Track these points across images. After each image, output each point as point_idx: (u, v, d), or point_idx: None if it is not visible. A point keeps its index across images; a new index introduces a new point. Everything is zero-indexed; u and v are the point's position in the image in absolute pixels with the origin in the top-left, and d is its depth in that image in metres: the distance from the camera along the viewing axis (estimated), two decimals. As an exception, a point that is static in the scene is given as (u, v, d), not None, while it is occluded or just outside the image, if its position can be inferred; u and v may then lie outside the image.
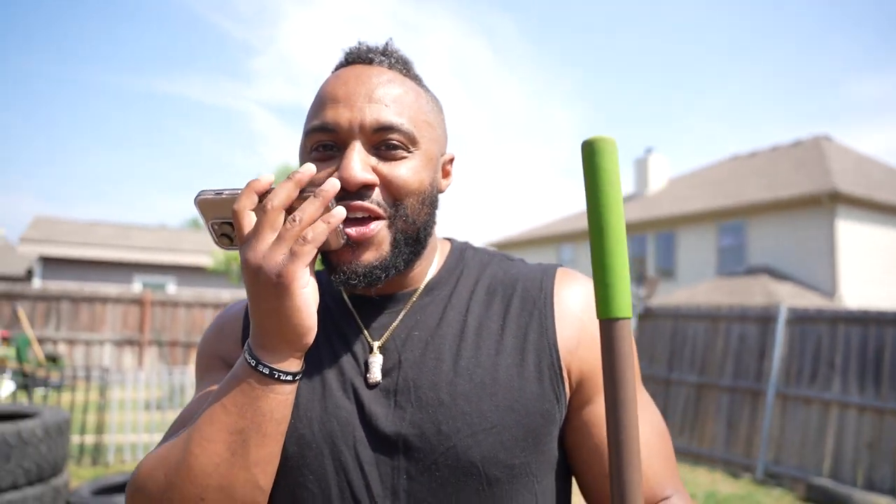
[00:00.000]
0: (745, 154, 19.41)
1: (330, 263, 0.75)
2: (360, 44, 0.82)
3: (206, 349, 0.87)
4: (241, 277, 0.68)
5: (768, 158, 17.81)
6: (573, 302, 0.81)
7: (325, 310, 0.82)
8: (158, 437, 6.34)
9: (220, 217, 0.70)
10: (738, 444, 6.45)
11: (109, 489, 4.16)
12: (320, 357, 0.79)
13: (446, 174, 0.85)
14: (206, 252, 19.54)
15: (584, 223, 17.86)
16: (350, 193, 0.71)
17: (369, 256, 0.73)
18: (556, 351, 0.78)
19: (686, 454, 6.78)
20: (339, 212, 0.66)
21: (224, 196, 0.68)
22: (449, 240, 0.92)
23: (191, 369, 7.81)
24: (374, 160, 0.74)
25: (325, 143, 0.75)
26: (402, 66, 0.81)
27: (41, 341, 11.08)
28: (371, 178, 0.73)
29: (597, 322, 0.70)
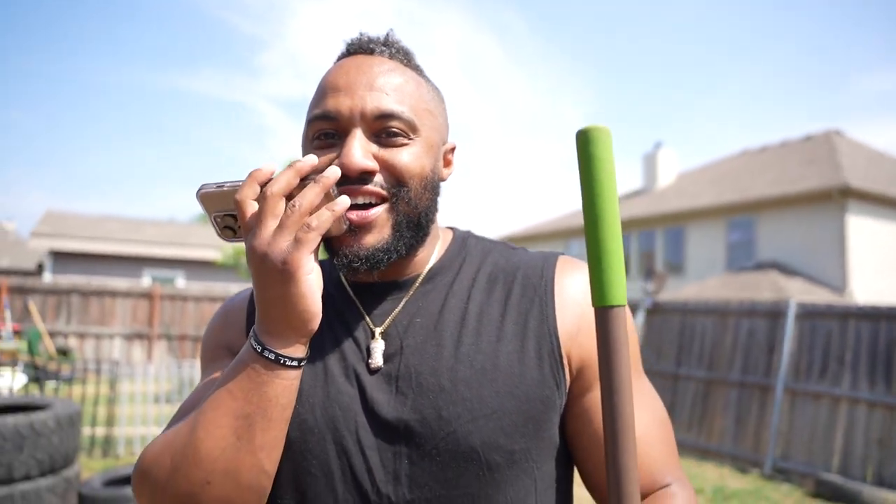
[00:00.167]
0: (755, 149, 19.21)
1: (332, 249, 0.76)
2: (361, 34, 0.83)
3: (211, 338, 0.88)
4: (248, 269, 0.69)
5: (778, 153, 17.62)
6: (574, 289, 0.82)
7: (328, 297, 0.82)
8: (168, 429, 6.35)
9: (223, 210, 0.71)
10: (747, 439, 6.42)
11: (120, 481, 4.22)
12: (323, 343, 0.79)
13: (448, 163, 0.86)
14: (215, 246, 19.61)
15: (592, 218, 17.72)
16: (351, 180, 0.72)
17: (371, 239, 0.74)
18: (557, 338, 0.78)
19: (694, 449, 6.76)
20: (343, 201, 0.67)
21: (225, 189, 0.69)
22: (451, 228, 0.92)
23: (199, 363, 7.82)
24: (374, 147, 0.75)
25: (326, 131, 0.76)
26: (403, 56, 0.82)
27: (52, 335, 11.19)
28: (371, 164, 0.73)
29: None
